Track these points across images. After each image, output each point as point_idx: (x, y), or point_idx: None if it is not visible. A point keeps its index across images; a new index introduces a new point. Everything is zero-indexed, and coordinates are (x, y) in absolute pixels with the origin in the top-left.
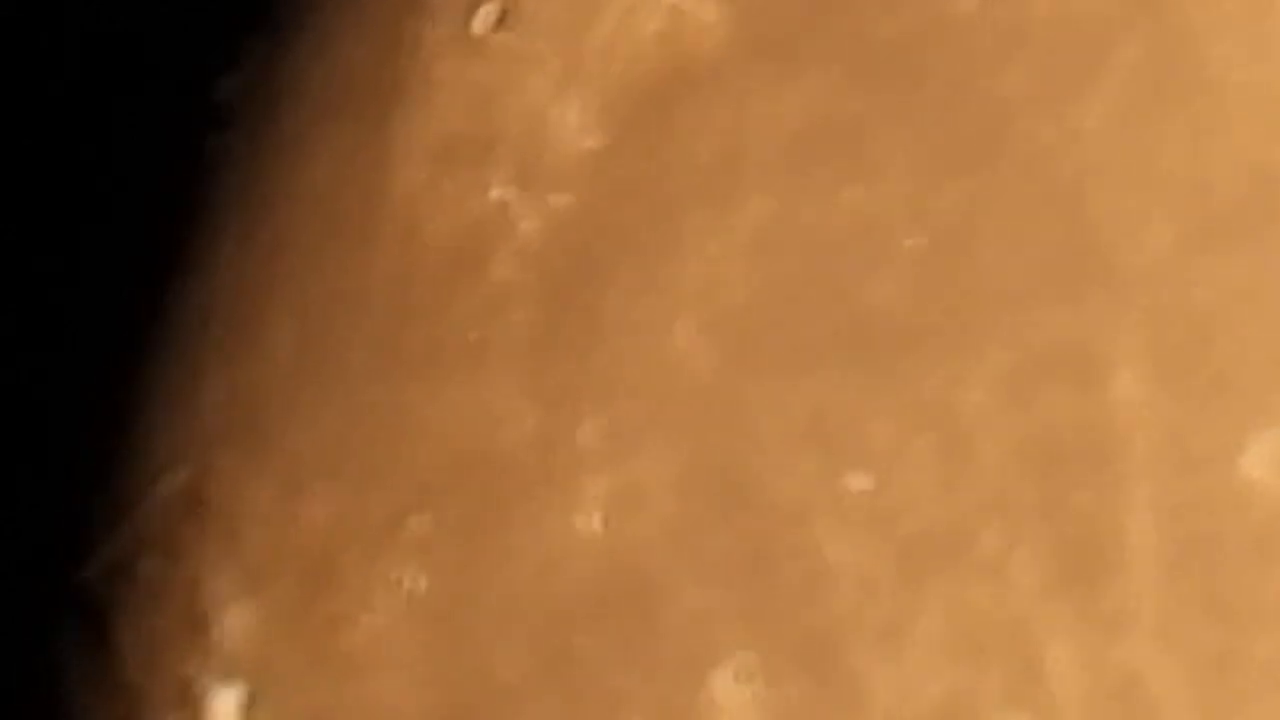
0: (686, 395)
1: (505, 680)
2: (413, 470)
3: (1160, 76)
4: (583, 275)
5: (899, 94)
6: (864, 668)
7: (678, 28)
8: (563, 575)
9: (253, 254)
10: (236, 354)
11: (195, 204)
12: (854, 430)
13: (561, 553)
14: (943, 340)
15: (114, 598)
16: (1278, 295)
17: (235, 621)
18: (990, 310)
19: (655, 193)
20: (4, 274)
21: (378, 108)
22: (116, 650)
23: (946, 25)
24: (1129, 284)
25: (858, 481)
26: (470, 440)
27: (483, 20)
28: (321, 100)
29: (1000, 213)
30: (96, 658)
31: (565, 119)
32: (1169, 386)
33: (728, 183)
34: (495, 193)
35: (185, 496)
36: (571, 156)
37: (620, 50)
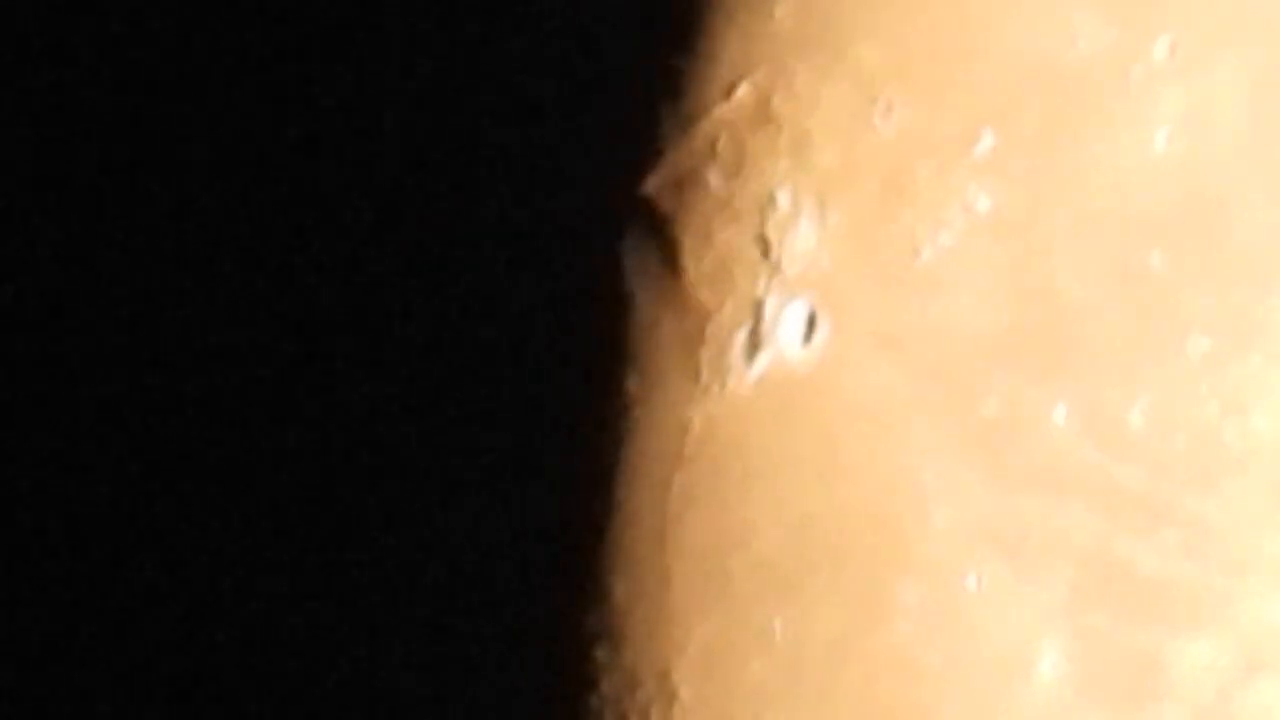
0: (1259, 7)
1: (1074, 297)
2: (985, 85)
3: None
4: None
5: None
6: None
7: None
8: (1132, 193)
9: None
10: None
11: None
12: None
13: (1132, 170)
14: None
15: (681, 211)
16: None
17: (803, 239)
18: None
19: None
20: None
21: None
22: (683, 267)
23: None
24: None
25: None
26: (1043, 55)
27: None
28: None
29: None
30: (663, 273)
31: None
32: None
33: None
34: None
35: (755, 108)
36: None
37: None
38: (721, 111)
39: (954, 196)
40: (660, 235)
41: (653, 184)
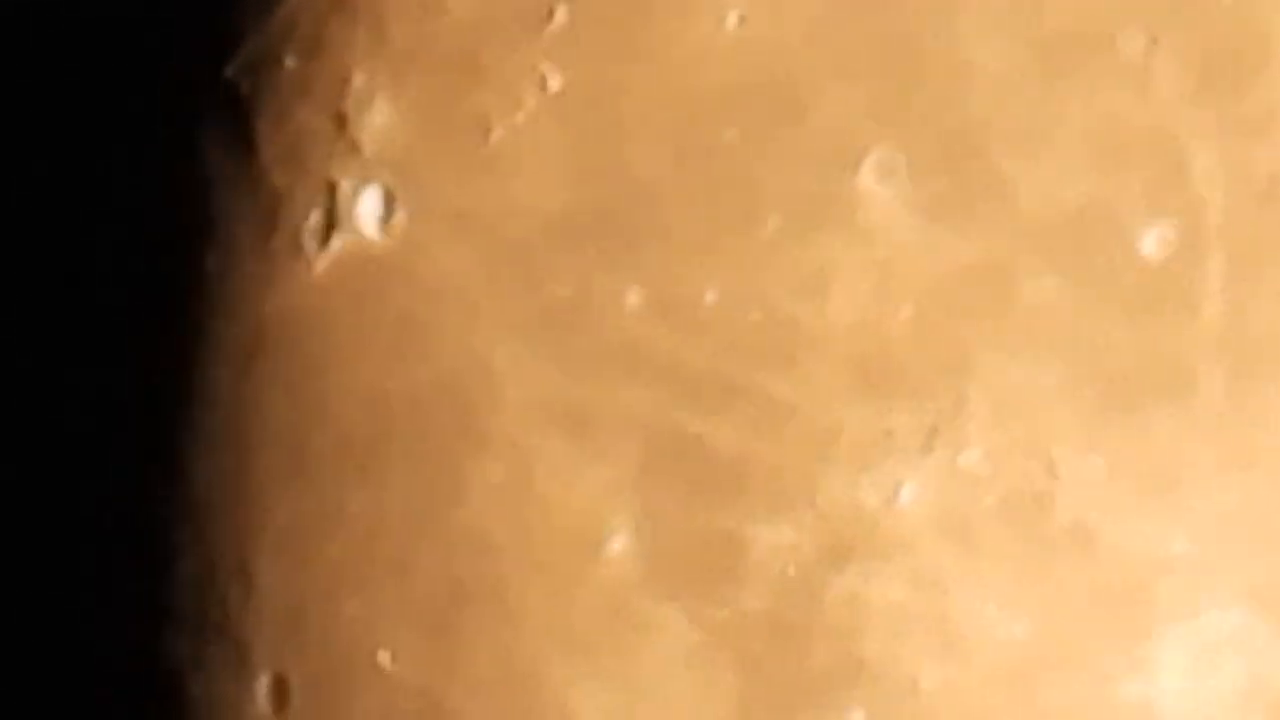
0: None
1: (646, 177)
2: None
3: None
4: None
5: None
6: (1007, 168)
7: None
8: (705, 71)
9: None
10: None
11: None
12: None
13: (704, 48)
14: None
15: (258, 94)
16: None
17: (378, 120)
18: None
19: None
20: None
21: None
22: (259, 148)
23: None
24: None
25: None
26: None
27: None
28: None
29: None
30: (240, 156)
31: None
32: None
33: None
34: None
35: None
36: None
37: None
38: None
39: (525, 75)
40: (237, 117)
41: (231, 66)
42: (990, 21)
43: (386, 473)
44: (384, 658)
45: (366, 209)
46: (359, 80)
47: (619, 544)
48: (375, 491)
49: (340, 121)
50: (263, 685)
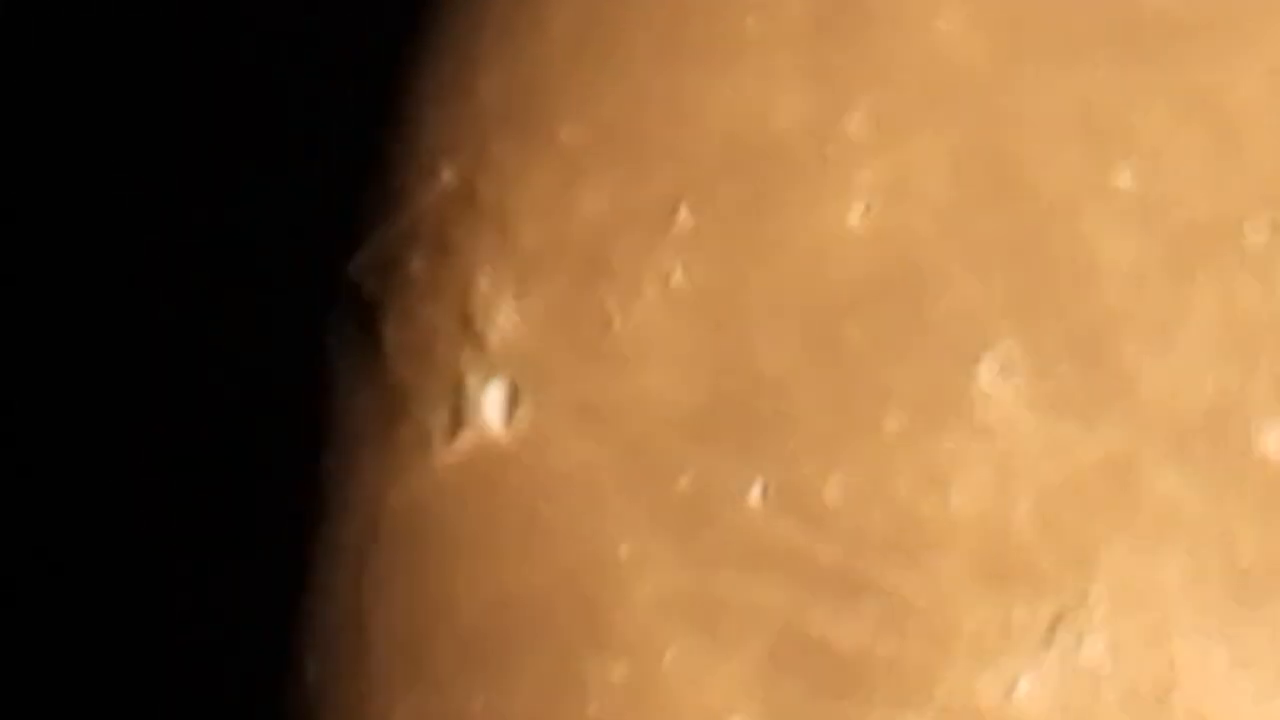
0: (954, 83)
1: (772, 372)
2: (685, 158)
3: None
4: None
5: None
6: (1133, 362)
7: None
8: (830, 265)
9: None
10: (515, 40)
11: None
12: (1121, 122)
13: (829, 242)
14: (1214, 34)
15: (384, 293)
16: None
17: (504, 317)
18: (1264, 2)
19: None
20: None
21: None
22: (385, 345)
23: None
24: None
25: (1125, 174)
26: (743, 126)
27: None
28: None
29: None
30: (366, 352)
31: None
32: None
33: None
34: None
35: (458, 189)
36: None
37: None
38: (424, 194)
39: (650, 270)
40: (363, 316)
41: (355, 266)
42: (1116, 216)
43: (508, 671)
44: None
45: (493, 405)
46: (485, 282)
47: None
48: (497, 691)
49: (466, 321)
50: None
